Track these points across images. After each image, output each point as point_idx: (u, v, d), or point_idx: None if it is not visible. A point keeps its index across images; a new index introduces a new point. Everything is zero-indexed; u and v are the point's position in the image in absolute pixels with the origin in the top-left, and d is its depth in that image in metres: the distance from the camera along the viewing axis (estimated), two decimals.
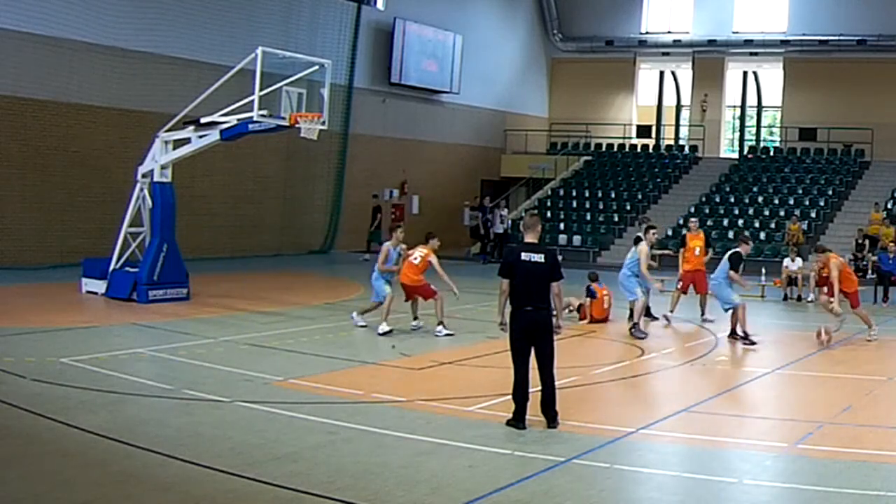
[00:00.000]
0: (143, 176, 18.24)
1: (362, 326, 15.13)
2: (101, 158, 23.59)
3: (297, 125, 17.11)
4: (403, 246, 15.26)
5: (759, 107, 38.85)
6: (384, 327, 14.71)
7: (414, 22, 33.40)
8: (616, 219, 32.87)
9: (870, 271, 24.26)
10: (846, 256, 26.65)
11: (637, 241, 16.68)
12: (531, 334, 9.23)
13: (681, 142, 38.35)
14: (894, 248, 22.23)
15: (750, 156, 35.85)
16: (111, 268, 18.09)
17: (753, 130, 39.03)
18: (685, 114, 39.27)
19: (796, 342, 16.15)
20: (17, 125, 22.15)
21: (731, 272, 15.54)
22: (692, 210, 32.22)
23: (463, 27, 35.37)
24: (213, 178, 26.22)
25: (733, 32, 36.87)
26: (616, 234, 32.19)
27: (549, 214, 33.60)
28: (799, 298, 21.65)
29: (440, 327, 14.90)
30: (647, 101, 40.37)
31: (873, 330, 15.74)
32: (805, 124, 35.22)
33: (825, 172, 33.29)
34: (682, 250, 18.35)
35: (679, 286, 18.05)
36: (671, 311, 17.31)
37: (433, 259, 14.93)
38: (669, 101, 39.77)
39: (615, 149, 38.18)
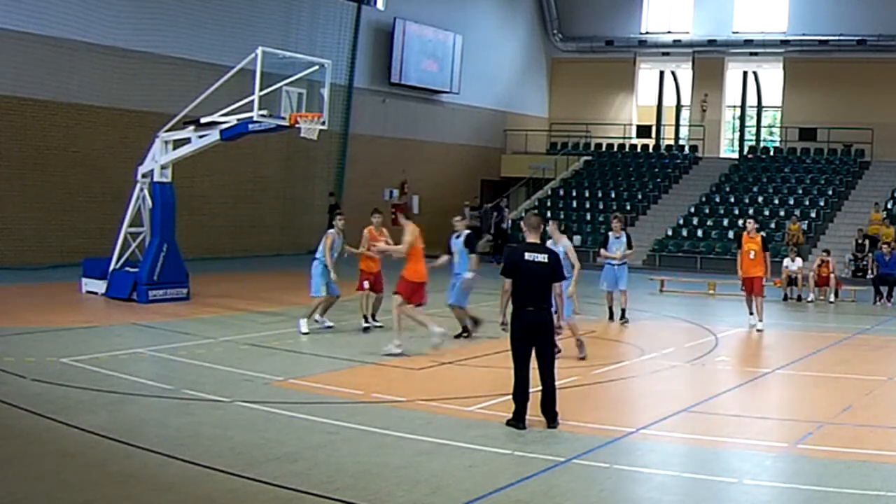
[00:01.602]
0: (143, 176, 18.24)
1: (329, 327, 15.07)
2: (101, 158, 23.59)
3: (297, 125, 17.11)
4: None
5: (759, 107, 38.84)
6: (304, 326, 14.66)
7: (414, 22, 33.40)
8: None
9: (870, 271, 24.27)
10: (846, 257, 26.77)
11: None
12: (532, 334, 9.22)
13: (681, 142, 38.35)
14: (888, 249, 22.20)
15: (750, 156, 35.85)
16: (111, 268, 18.09)
17: (753, 130, 39.02)
18: (685, 114, 39.26)
19: (796, 342, 16.16)
20: (17, 125, 22.15)
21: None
22: (692, 210, 32.23)
23: (463, 27, 35.37)
24: (213, 178, 26.21)
25: (733, 32, 36.87)
26: None
27: (549, 214, 33.56)
28: (799, 298, 21.66)
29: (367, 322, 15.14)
30: (647, 101, 40.36)
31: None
32: (805, 124, 35.22)
33: (825, 172, 33.29)
34: (739, 252, 17.38)
35: (743, 290, 17.20)
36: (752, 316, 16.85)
37: (365, 233, 15.03)
38: (669, 101, 39.76)
39: (615, 149, 38.18)
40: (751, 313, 16.85)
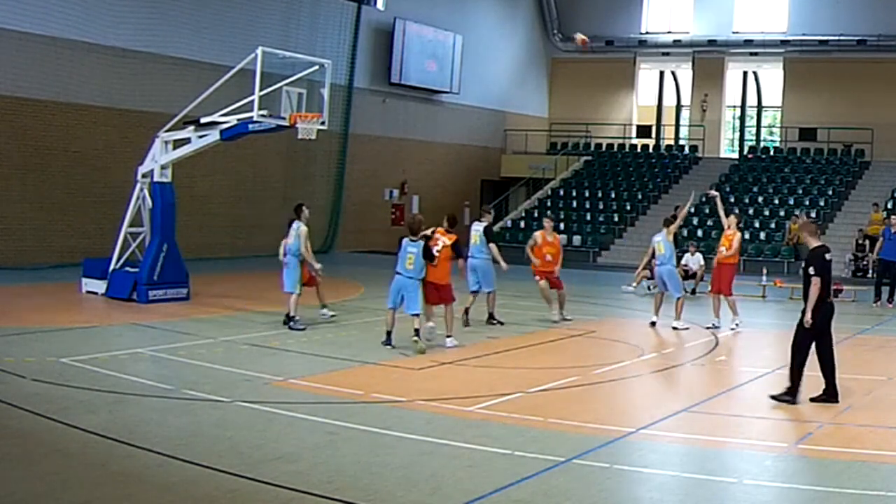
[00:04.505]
0: (143, 176, 18.23)
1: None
2: (101, 158, 23.60)
3: (296, 125, 17.11)
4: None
5: (759, 107, 38.86)
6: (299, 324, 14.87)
7: (414, 22, 33.40)
8: (616, 219, 32.88)
9: (871, 271, 24.19)
10: (846, 257, 26.75)
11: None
12: None
13: (681, 142, 38.36)
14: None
15: (750, 156, 35.86)
16: (111, 268, 18.08)
17: (753, 130, 39.03)
18: (685, 114, 39.28)
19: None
20: (17, 125, 22.15)
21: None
22: (692, 210, 32.19)
23: (463, 27, 35.38)
24: (213, 178, 26.21)
25: (733, 32, 36.89)
26: (616, 234, 32.20)
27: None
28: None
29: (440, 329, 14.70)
30: (647, 101, 40.38)
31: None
32: (805, 124, 35.24)
33: (825, 172, 33.30)
34: None
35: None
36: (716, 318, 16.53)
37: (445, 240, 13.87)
38: (669, 101, 39.77)
39: (615, 149, 38.19)
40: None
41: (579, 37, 16.93)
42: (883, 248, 21.24)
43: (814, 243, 10.80)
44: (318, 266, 15.44)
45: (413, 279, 13.28)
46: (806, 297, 10.50)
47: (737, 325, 16.41)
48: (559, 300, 16.97)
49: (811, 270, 10.45)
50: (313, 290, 15.79)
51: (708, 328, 16.39)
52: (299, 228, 15.35)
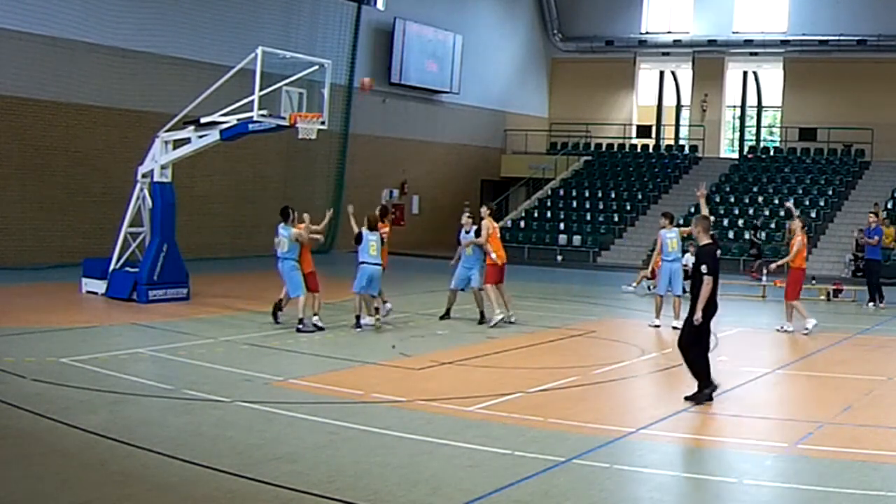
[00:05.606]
0: (143, 176, 18.23)
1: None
2: (101, 158, 23.61)
3: (296, 125, 17.11)
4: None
5: (759, 107, 38.87)
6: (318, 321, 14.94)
7: (414, 22, 33.42)
8: (616, 219, 32.88)
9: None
10: (846, 257, 26.71)
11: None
12: None
13: (681, 142, 38.37)
14: (875, 219, 21.51)
15: (750, 156, 35.87)
16: (111, 268, 18.09)
17: (753, 130, 39.04)
18: (685, 114, 39.29)
19: (796, 342, 16.15)
20: (17, 125, 22.16)
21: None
22: (692, 210, 32.21)
23: (463, 27, 35.39)
24: (213, 178, 26.22)
25: (733, 32, 36.89)
26: (616, 234, 32.20)
27: (549, 214, 33.64)
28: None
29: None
30: (647, 101, 40.40)
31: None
32: (805, 124, 35.24)
33: (825, 172, 33.30)
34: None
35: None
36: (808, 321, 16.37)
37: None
38: (669, 101, 39.79)
39: (615, 149, 38.20)
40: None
41: (366, 81, 17.77)
42: (866, 247, 21.64)
43: (704, 240, 10.78)
44: (322, 225, 16.19)
45: (378, 265, 15.12)
46: (695, 296, 10.45)
47: (807, 329, 16.16)
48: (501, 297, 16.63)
49: (703, 269, 10.43)
50: (314, 295, 15.63)
51: (777, 330, 16.55)
52: (290, 235, 15.16)
